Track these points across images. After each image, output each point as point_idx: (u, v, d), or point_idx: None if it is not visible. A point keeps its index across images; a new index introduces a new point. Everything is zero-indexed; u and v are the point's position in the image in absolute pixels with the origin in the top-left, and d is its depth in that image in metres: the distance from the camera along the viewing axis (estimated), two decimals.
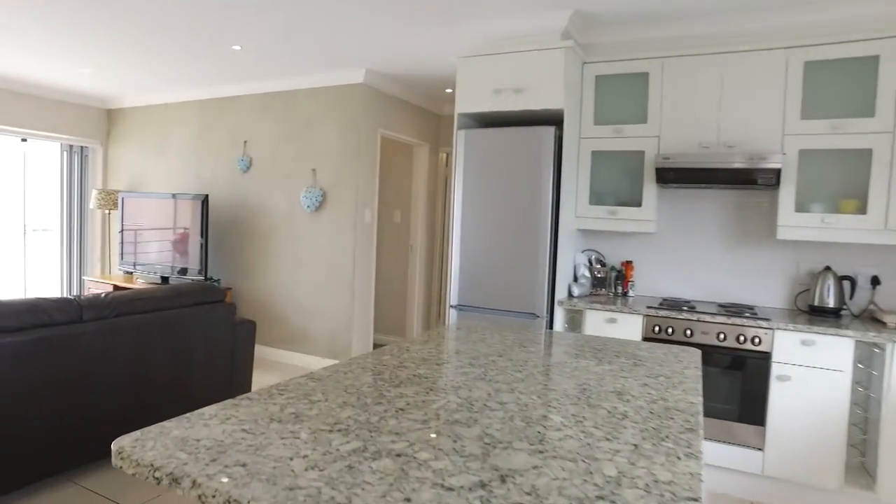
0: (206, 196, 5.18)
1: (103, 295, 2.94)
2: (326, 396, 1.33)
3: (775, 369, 2.83)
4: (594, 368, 1.72)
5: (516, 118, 3.68)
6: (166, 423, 1.10)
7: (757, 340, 2.87)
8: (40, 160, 7.05)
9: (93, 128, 6.63)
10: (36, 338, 2.56)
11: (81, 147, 6.71)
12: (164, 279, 5.45)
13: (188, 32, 3.92)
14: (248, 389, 3.72)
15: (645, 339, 3.16)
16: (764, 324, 2.85)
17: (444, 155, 6.12)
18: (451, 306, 3.64)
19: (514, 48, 3.44)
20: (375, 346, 5.77)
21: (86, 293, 5.86)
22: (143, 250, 5.74)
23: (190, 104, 5.88)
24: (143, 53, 4.48)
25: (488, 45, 3.57)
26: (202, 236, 5.17)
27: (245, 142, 5.45)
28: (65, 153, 6.65)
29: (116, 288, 5.53)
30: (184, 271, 5.30)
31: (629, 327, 3.21)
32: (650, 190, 3.43)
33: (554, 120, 3.62)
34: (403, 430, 1.14)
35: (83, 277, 6.17)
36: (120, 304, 2.93)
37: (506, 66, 3.48)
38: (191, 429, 1.09)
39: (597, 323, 3.31)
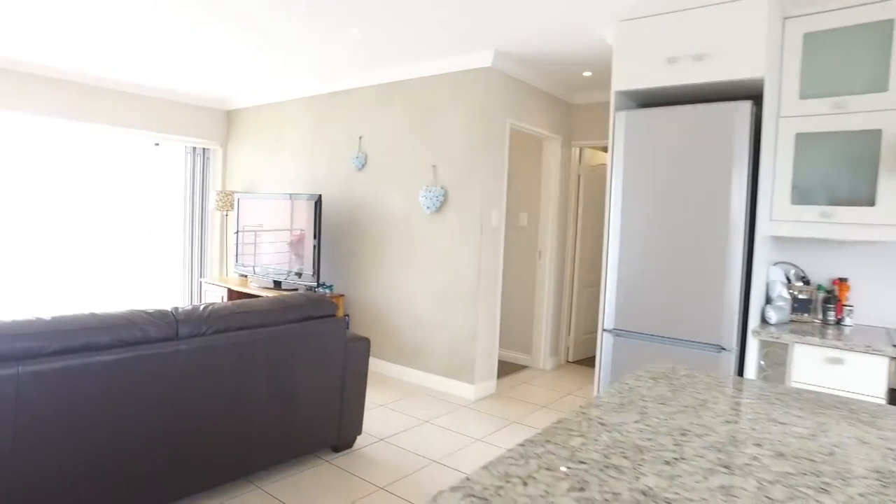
0: (319, 196, 4.82)
1: (201, 308, 2.54)
2: None
3: None
4: None
5: (690, 95, 2.91)
6: None
7: None
8: (167, 163, 7.16)
9: (214, 129, 6.59)
10: (128, 357, 2.19)
11: (204, 149, 6.70)
12: (277, 283, 5.18)
13: (304, 14, 3.52)
14: (360, 416, 3.23)
15: (893, 392, 2.28)
16: None
17: (577, 150, 5.39)
18: (606, 331, 2.93)
19: (694, 3, 2.68)
20: (500, 363, 5.14)
21: (203, 296, 5.75)
22: (256, 252, 5.53)
23: (304, 101, 5.59)
24: (262, 47, 4.18)
25: (658, 2, 2.82)
26: (315, 239, 4.83)
27: (360, 138, 5.05)
28: (188, 155, 6.66)
29: (231, 292, 5.34)
30: (297, 276, 4.98)
31: (864, 373, 2.33)
32: (890, 183, 2.52)
33: (742, 95, 2.81)
34: None
35: (200, 280, 6.10)
36: (219, 319, 2.52)
37: (682, 26, 2.73)
38: None
39: (811, 363, 2.46)
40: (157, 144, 7.08)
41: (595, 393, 2.99)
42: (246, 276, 5.69)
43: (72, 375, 2.05)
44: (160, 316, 2.37)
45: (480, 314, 4.27)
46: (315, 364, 2.88)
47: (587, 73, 4.59)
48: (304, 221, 4.98)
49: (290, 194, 5.12)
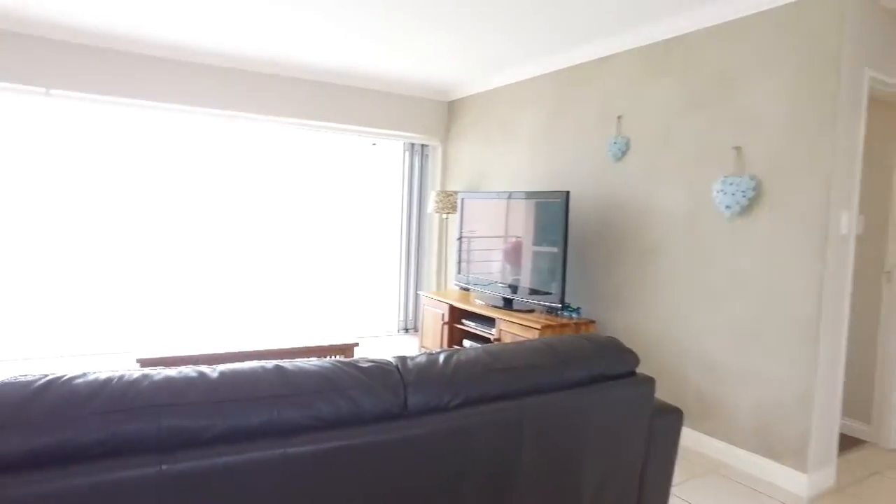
0: (567, 194, 3.75)
1: (440, 360, 1.57)
2: None
3: None
4: None
5: None
6: None
7: None
8: (383, 162, 6.70)
9: (434, 123, 5.92)
10: (329, 448, 1.29)
11: (422, 145, 6.07)
12: (507, 302, 4.21)
13: None
14: None
15: None
16: None
17: None
18: None
19: None
20: (842, 437, 3.48)
21: (421, 312, 5.02)
22: (482, 260, 4.64)
23: (542, 79, 4.57)
24: (489, 14, 3.25)
25: None
26: (559, 248, 3.76)
27: (619, 118, 3.86)
28: (406, 153, 6.09)
29: (452, 309, 4.50)
30: (533, 293, 3.95)
31: None
32: None
33: None
34: None
35: (419, 293, 5.42)
36: (469, 382, 1.53)
37: None
38: None
39: None
40: (374, 144, 6.67)
41: None
42: (468, 290, 4.84)
43: (241, 476, 1.20)
44: (378, 374, 1.44)
45: (820, 365, 2.80)
46: (604, 450, 1.76)
47: None
48: (544, 225, 3.94)
49: (527, 192, 4.12)
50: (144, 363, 2.98)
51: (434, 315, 4.69)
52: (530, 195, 4.11)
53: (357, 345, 3.52)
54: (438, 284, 5.93)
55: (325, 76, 5.18)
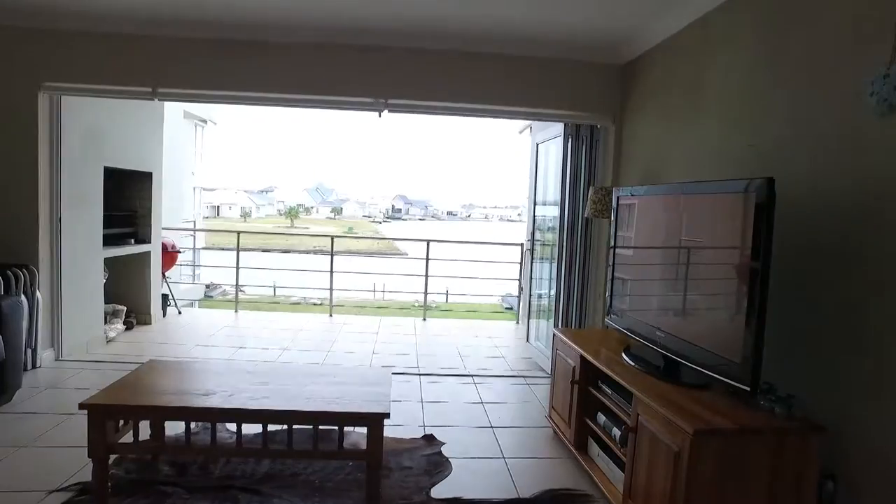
0: (766, 183, 2.00)
1: None
2: None
3: None
4: None
5: None
6: None
7: None
8: (544, 150, 5.33)
9: (603, 96, 4.34)
10: None
11: (591, 127, 4.52)
12: (671, 367, 2.51)
13: None
14: None
15: None
16: None
17: None
18: None
19: None
20: None
21: (555, 364, 3.53)
22: (637, 291, 3.02)
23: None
24: None
25: None
26: (753, 278, 2.02)
27: None
28: (570, 138, 4.61)
29: (584, 363, 2.95)
30: (706, 356, 2.25)
31: None
32: None
33: None
34: None
35: (553, 330, 3.91)
36: None
37: None
38: None
39: None
40: (533, 130, 5.32)
41: None
42: (626, 334, 3.18)
43: None
44: None
45: None
46: None
47: None
48: (728, 237, 2.24)
49: (707, 184, 2.45)
50: (92, 410, 2.18)
51: (565, 367, 3.19)
52: (707, 187, 2.41)
53: (387, 416, 2.28)
54: (600, 318, 4.33)
55: (462, 43, 4.09)
